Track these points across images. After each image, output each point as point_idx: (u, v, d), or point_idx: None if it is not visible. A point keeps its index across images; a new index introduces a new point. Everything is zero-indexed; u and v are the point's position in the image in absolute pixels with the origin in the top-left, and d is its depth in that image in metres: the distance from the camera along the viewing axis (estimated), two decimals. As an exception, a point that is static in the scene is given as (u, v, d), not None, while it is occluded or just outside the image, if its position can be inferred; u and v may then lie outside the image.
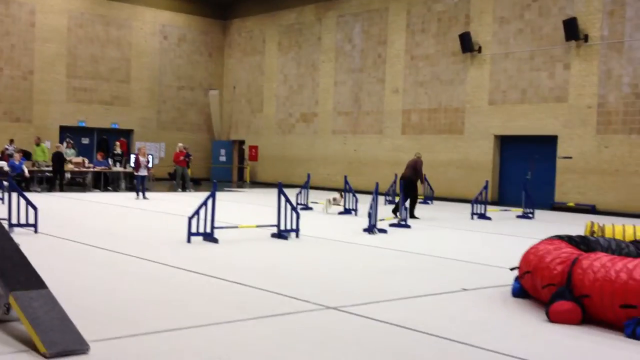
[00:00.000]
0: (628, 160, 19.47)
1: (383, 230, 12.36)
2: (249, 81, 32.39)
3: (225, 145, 32.93)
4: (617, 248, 7.42)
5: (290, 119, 30.22)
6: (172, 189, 24.68)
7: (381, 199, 20.22)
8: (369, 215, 12.31)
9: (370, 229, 12.19)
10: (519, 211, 18.07)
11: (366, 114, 27.01)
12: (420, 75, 25.06)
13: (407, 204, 15.17)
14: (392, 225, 13.39)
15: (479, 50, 23.04)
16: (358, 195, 16.86)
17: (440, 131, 24.44)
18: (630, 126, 19.41)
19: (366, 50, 26.96)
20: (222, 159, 32.75)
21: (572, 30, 20.23)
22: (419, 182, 16.38)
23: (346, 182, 16.92)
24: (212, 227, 10.34)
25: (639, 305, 5.43)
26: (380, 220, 13.03)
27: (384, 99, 26.35)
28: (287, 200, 11.17)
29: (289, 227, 11.18)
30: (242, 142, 32.87)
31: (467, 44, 23.03)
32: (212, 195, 10.31)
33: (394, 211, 15.40)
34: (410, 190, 15.75)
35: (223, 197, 19.06)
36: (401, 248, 10.39)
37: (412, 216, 15.53)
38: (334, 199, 16.88)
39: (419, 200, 21.84)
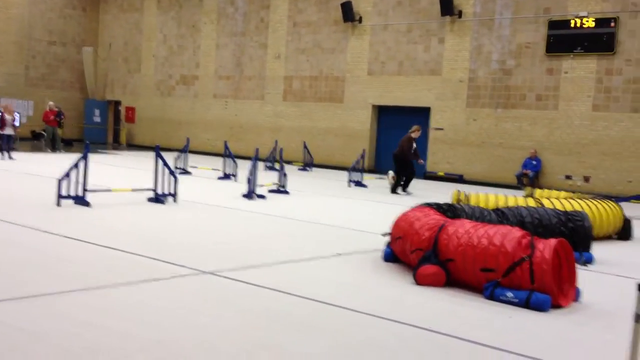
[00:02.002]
0: (493, 133, 20.65)
1: (262, 196, 12.43)
2: (126, 39, 31.11)
3: (100, 105, 31.59)
4: (480, 215, 7.93)
5: (170, 81, 29.43)
6: (40, 149, 23.41)
7: (261, 165, 20.28)
8: (248, 180, 12.32)
9: (249, 194, 12.22)
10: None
11: (248, 79, 26.79)
12: (303, 43, 25.13)
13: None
14: (271, 191, 13.48)
15: (360, 20, 23.41)
16: (238, 161, 16.80)
17: (320, 99, 24.73)
18: (497, 101, 20.56)
19: (249, 13, 26.63)
20: (97, 119, 31.44)
21: (447, 5, 21.00)
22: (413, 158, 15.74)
23: (226, 147, 16.80)
24: (84, 190, 9.96)
25: (497, 269, 5.84)
26: (260, 186, 13.08)
27: (266, 64, 26.23)
28: (165, 163, 10.95)
29: (166, 192, 10.99)
30: (118, 103, 31.67)
31: (348, 13, 23.32)
32: (85, 157, 9.92)
33: (393, 190, 15.54)
34: (400, 168, 15.52)
35: (97, 160, 18.34)
36: (279, 214, 10.51)
37: (395, 190, 15.48)
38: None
39: (297, 167, 22.13)
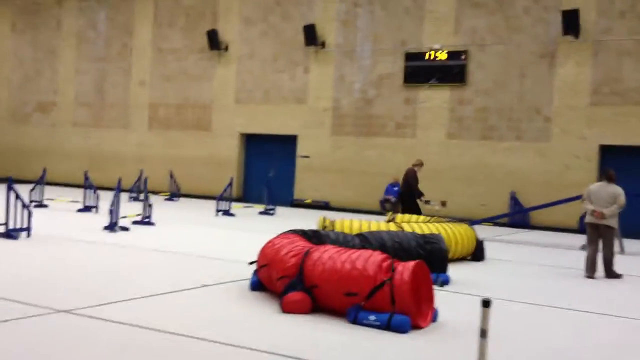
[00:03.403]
0: (357, 160, 21.31)
1: (125, 228, 12.00)
2: (-25, 63, 29.15)
3: (-55, 133, 29.24)
4: (345, 241, 8.12)
5: (26, 108, 27.86)
6: None
7: (125, 195, 19.62)
8: (110, 212, 11.86)
9: (111, 226, 11.76)
10: (262, 208, 18.79)
11: (110, 106, 25.93)
12: (168, 69, 24.76)
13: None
14: (135, 222, 13.05)
15: (226, 48, 23.44)
16: (101, 192, 16.15)
17: (187, 127, 24.40)
18: (360, 129, 21.26)
19: (111, 39, 25.88)
20: (-59, 149, 29.03)
21: (311, 35, 21.55)
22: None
23: (86, 178, 16.10)
24: None
25: (360, 293, 5.99)
26: (123, 217, 12.63)
27: (130, 91, 25.55)
28: (18, 196, 10.31)
29: (19, 226, 10.32)
30: (-35, 131, 29.47)
31: (214, 41, 23.30)
32: None
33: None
34: (406, 205, 14.18)
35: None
36: (143, 246, 10.19)
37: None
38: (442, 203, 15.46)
39: (164, 197, 21.61)
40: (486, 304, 2.70)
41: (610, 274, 9.81)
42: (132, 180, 21.07)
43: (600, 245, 9.91)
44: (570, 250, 13.36)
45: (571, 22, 17.92)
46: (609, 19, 17.99)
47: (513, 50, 19.16)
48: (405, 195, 14.05)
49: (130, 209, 15.15)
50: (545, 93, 18.73)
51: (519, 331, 6.08)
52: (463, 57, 19.69)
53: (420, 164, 14.39)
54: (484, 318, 2.75)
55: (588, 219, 10.08)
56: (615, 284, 9.40)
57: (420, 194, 14.03)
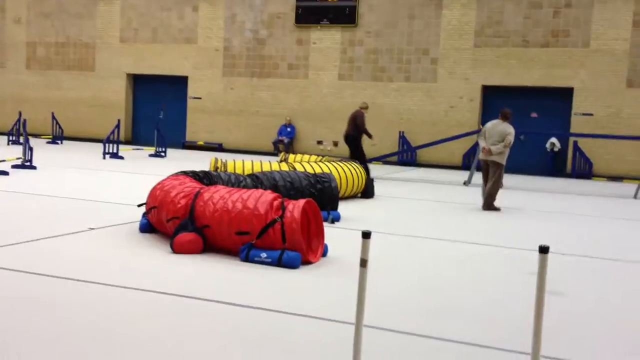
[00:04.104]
0: (250, 101, 21.15)
1: (4, 173, 11.41)
2: None
3: None
4: (236, 181, 8.13)
5: None
6: None
7: (4, 139, 18.58)
8: (-13, 156, 11.22)
9: (-11, 171, 11.14)
10: (152, 150, 18.36)
11: (-17, 45, 24.18)
12: (46, 6, 23.27)
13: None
14: (15, 166, 12.42)
15: (109, -16, 22.30)
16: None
17: (69, 67, 23.21)
18: (252, 69, 21.03)
19: (-20, -29, 23.93)
20: None
21: (200, -27, 20.83)
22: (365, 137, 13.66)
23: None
24: None
25: (252, 231, 6.06)
26: (1, 161, 11.98)
27: (5, 29, 23.86)
28: None
29: None
30: None
31: (96, -24, 22.07)
32: None
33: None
34: (353, 149, 13.35)
35: None
36: (24, 190, 9.74)
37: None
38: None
39: (46, 140, 20.64)
40: (366, 235, 2.83)
41: (489, 206, 10.41)
42: (11, 122, 19.93)
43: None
44: (454, 186, 14.03)
45: (457, -35, 18.32)
46: (493, -37, 18.53)
47: (402, -8, 19.40)
48: (353, 139, 13.50)
49: (9, 153, 14.37)
50: (433, 35, 19.20)
51: (402, 262, 6.38)
52: (354, -3, 19.73)
53: (367, 107, 14.16)
54: (364, 248, 2.87)
55: (480, 155, 10.61)
56: (494, 215, 9.99)
57: (370, 135, 13.71)
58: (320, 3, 20.08)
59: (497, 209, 10.41)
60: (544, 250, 2.61)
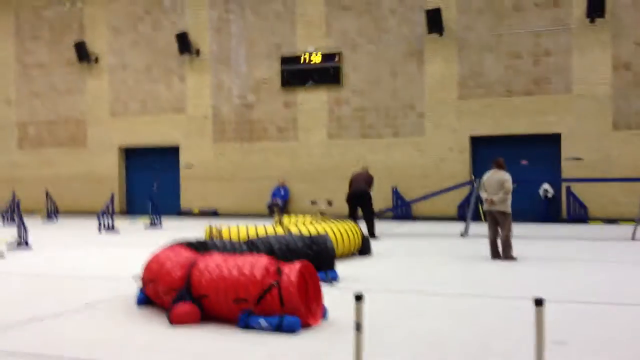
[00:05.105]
0: (241, 166, 21.28)
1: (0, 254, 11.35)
2: None
3: None
4: (232, 248, 8.11)
5: None
6: None
7: (-4, 219, 18.53)
8: (-19, 239, 11.17)
9: (-17, 254, 11.08)
10: (147, 220, 18.33)
11: (-26, 127, 24.39)
12: (36, 85, 23.62)
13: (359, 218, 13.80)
14: (12, 247, 12.35)
15: (96, 60, 22.71)
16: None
17: (61, 144, 23.40)
18: (242, 135, 21.24)
19: (-31, 56, 24.34)
20: None
21: (184, 44, 21.28)
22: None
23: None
24: None
25: (249, 298, 6.01)
26: (-5, 243, 11.93)
27: (-5, 110, 24.15)
28: None
29: None
30: None
31: (83, 53, 22.52)
32: None
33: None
34: (369, 205, 13.87)
35: None
36: (19, 271, 9.67)
37: (373, 235, 13.68)
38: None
39: (42, 218, 20.58)
40: (358, 298, 2.82)
41: (506, 256, 10.38)
42: (3, 202, 19.92)
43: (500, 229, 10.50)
44: (451, 238, 14.01)
45: (434, 21, 18.79)
46: (469, 17, 19.01)
47: (383, 50, 19.82)
48: (370, 197, 14.02)
49: (4, 233, 14.31)
50: (417, 89, 19.52)
51: (404, 321, 6.32)
52: (336, 59, 20.13)
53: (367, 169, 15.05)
54: (357, 312, 2.87)
55: (485, 207, 10.67)
56: (507, 265, 9.94)
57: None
58: (304, 66, 20.46)
59: (514, 258, 10.36)
60: (539, 302, 2.61)
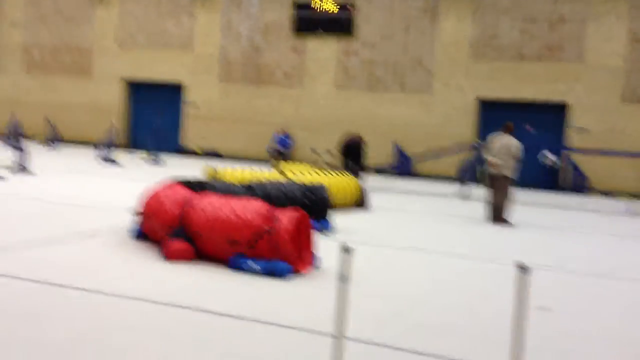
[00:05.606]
0: (246, 109, 21.18)
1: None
2: None
3: None
4: (230, 191, 8.14)
5: None
6: None
7: (-2, 142, 18.57)
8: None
9: (-18, 175, 11.14)
10: (147, 155, 18.36)
11: (-21, 48, 24.22)
12: (43, 9, 23.32)
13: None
14: (9, 171, 12.41)
15: (107, -11, 22.40)
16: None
17: (66, 71, 23.24)
18: (248, 77, 21.08)
19: (-22, -26, 23.98)
20: None
21: (198, -20, 20.92)
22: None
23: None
24: None
25: (242, 241, 6.08)
26: (-5, 165, 11.98)
27: (2, 31, 23.89)
28: None
29: None
30: None
31: (94, -19, 22.17)
32: None
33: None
34: (360, 158, 14.55)
35: None
36: (18, 195, 9.74)
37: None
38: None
39: (43, 144, 20.64)
40: (346, 250, 2.85)
41: (499, 220, 10.40)
42: (6, 126, 19.92)
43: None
44: (449, 198, 14.07)
45: (454, -22, 18.43)
46: (489, -24, 18.65)
47: (398, 4, 19.50)
48: (357, 157, 14.64)
49: (3, 157, 14.35)
50: (428, 46, 19.29)
51: (391, 276, 6.40)
52: (351, 9, 19.82)
53: None
54: (344, 264, 2.90)
55: (488, 169, 10.62)
56: (497, 229, 10.00)
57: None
58: (317, 13, 20.16)
59: (507, 222, 10.38)
60: (523, 269, 2.64)
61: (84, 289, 4.98)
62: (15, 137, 17.73)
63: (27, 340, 3.82)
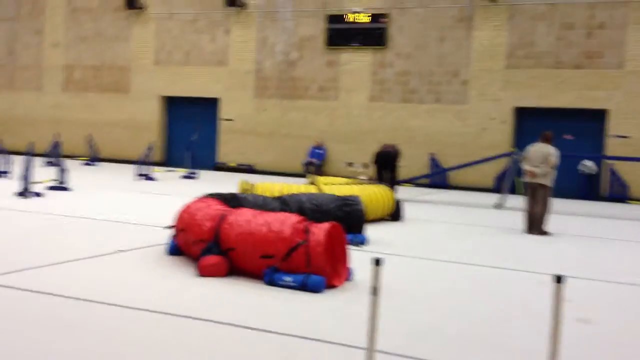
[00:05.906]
0: (281, 123, 21.27)
1: (38, 194, 11.63)
2: None
3: None
4: (263, 204, 8.16)
5: None
6: None
7: (41, 161, 18.97)
8: (22, 177, 11.47)
9: (24, 192, 11.38)
10: (184, 171, 18.56)
11: (23, 69, 24.83)
12: (83, 30, 23.85)
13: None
14: (50, 188, 12.67)
15: (144, 8, 22.77)
16: (14, 157, 15.56)
17: (105, 89, 23.68)
18: (283, 92, 21.18)
19: (21, -2, 24.67)
20: None
21: (231, -4, 21.18)
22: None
23: (-3, 143, 15.45)
24: None
25: (276, 255, 6.07)
26: (36, 183, 12.23)
27: (44, 53, 24.50)
28: None
29: None
30: None
31: (131, 0, 22.58)
32: None
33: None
34: (394, 169, 14.63)
35: None
36: (57, 212, 9.92)
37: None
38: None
39: (82, 162, 21.03)
40: (377, 262, 2.81)
41: (537, 230, 10.24)
42: (48, 144, 20.37)
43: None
44: (485, 209, 13.88)
45: (488, -14, 18.28)
46: (524, -16, 18.44)
47: (432, 14, 19.41)
48: (392, 167, 14.68)
49: (45, 174, 14.66)
50: (463, 56, 19.13)
51: (427, 289, 6.31)
52: (384, 20, 19.81)
53: None
54: (375, 276, 2.85)
55: (526, 178, 10.49)
56: (536, 240, 9.82)
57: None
58: (350, 26, 20.20)
59: (546, 233, 10.22)
60: (559, 279, 2.56)
61: (118, 305, 5.03)
62: (55, 155, 18.12)
63: (61, 352, 3.85)
